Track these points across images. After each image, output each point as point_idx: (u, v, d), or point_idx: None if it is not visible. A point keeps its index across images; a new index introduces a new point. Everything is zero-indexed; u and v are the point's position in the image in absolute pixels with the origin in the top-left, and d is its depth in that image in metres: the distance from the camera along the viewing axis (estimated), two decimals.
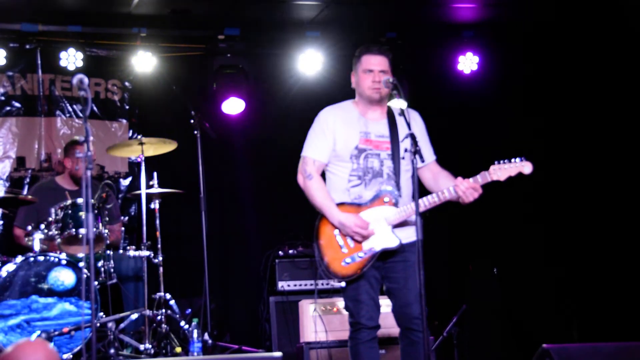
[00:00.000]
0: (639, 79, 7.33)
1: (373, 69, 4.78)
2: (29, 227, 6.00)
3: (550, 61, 7.80)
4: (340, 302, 6.01)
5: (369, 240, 4.68)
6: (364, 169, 4.77)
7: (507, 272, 7.60)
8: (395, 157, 4.73)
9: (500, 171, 4.64)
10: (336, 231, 4.74)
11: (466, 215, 7.11)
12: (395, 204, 4.68)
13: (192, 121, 6.62)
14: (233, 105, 7.70)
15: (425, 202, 4.66)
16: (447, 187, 4.67)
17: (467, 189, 4.61)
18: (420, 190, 4.78)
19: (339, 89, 6.77)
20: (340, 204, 4.75)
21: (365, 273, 4.70)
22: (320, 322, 6.19)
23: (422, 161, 4.43)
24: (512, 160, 4.65)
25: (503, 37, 7.90)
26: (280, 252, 6.96)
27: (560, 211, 7.67)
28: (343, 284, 4.74)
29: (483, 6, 7.48)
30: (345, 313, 4.83)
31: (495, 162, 4.65)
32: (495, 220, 7.68)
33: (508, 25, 7.74)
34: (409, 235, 4.65)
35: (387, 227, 4.69)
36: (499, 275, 7.59)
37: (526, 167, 4.66)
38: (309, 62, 7.77)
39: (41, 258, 5.76)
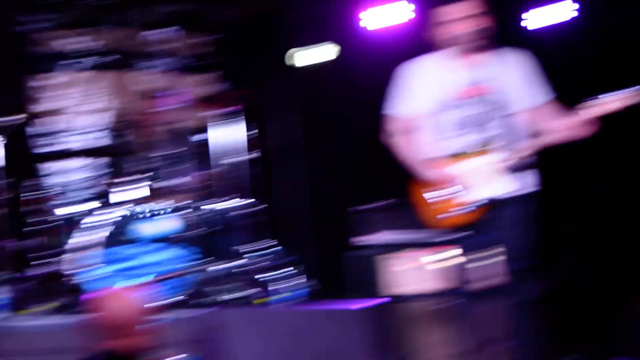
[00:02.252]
0: None
1: (460, 15, 4.60)
2: (127, 178, 6.10)
3: None
4: (425, 256, 5.96)
5: (470, 192, 4.58)
6: (462, 119, 4.65)
7: None
8: (494, 103, 4.59)
9: (618, 101, 4.38)
10: (434, 188, 4.66)
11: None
12: (497, 152, 4.56)
13: (283, 74, 6.61)
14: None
15: (533, 146, 4.54)
16: (557, 126, 4.53)
17: (582, 122, 4.44)
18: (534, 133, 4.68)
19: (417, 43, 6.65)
20: (436, 159, 4.66)
21: (470, 226, 4.62)
22: (402, 275, 6.14)
23: (511, 110, 4.34)
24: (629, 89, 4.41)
25: None
26: (366, 206, 6.92)
27: None
28: (452, 236, 4.66)
29: None
30: (431, 267, 4.79)
31: (606, 94, 4.42)
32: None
33: None
34: (515, 187, 4.54)
35: (489, 177, 4.57)
36: None
37: None
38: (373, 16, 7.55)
39: (144, 207, 5.88)
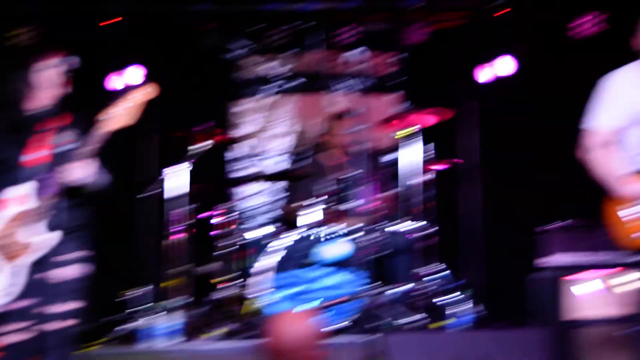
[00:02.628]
0: None
1: None
2: (307, 201, 6.30)
3: None
4: (618, 278, 5.76)
5: None
6: None
7: None
8: None
9: None
10: (630, 205, 4.52)
11: None
12: None
13: (466, 91, 6.58)
14: (504, 65, 7.55)
15: None
16: None
17: None
18: None
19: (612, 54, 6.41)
20: (635, 174, 4.52)
21: None
22: (589, 299, 5.95)
23: None
24: None
25: None
26: (550, 227, 6.74)
27: None
28: (634, 260, 4.51)
29: None
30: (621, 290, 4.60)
31: None
32: None
33: None
34: None
35: None
36: None
37: None
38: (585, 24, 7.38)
39: (318, 230, 6.04)
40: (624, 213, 4.50)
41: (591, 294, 5.96)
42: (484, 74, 7.58)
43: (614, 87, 4.57)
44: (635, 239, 4.44)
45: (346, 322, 5.81)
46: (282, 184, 6.70)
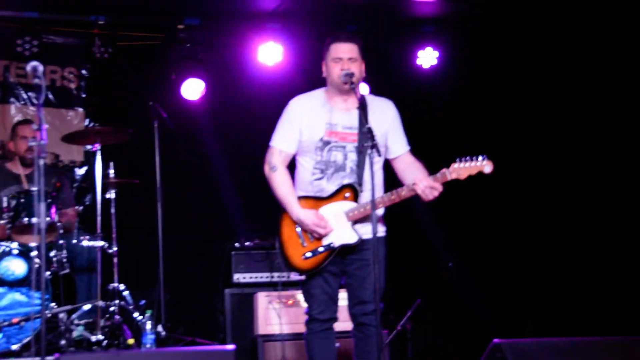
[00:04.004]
0: (594, 73, 7.41)
1: (342, 57, 4.70)
2: None
3: (509, 56, 7.84)
4: (298, 295, 6.04)
5: (329, 236, 4.65)
6: (327, 162, 4.71)
7: (462, 267, 7.65)
8: (361, 150, 4.64)
9: (461, 170, 4.59)
10: (297, 225, 4.72)
11: (422, 210, 7.15)
12: (356, 199, 4.65)
13: (149, 111, 6.56)
14: (192, 88, 7.64)
15: (385, 200, 4.64)
16: (408, 183, 4.64)
17: (426, 187, 4.55)
18: (394, 181, 4.78)
19: (298, 80, 6.77)
20: (302, 198, 4.72)
21: (324, 268, 4.70)
22: (275, 314, 6.19)
23: (379, 155, 4.42)
24: (474, 158, 4.60)
25: (463, 32, 7.92)
26: (236, 244, 6.92)
27: (517, 206, 7.72)
28: (303, 277, 4.73)
29: (443, 1, 7.49)
30: (302, 306, 4.80)
31: (457, 160, 4.60)
32: (450, 214, 7.71)
33: (468, 21, 7.76)
34: (370, 231, 4.56)
35: (346, 223, 4.65)
36: (454, 270, 7.63)
37: (487, 167, 4.61)
38: (269, 53, 7.73)
39: None
40: (296, 235, 4.72)
41: (272, 310, 6.21)
42: (170, 95, 7.61)
43: (295, 111, 4.79)
44: (303, 260, 4.67)
45: (19, 345, 5.50)
46: None
